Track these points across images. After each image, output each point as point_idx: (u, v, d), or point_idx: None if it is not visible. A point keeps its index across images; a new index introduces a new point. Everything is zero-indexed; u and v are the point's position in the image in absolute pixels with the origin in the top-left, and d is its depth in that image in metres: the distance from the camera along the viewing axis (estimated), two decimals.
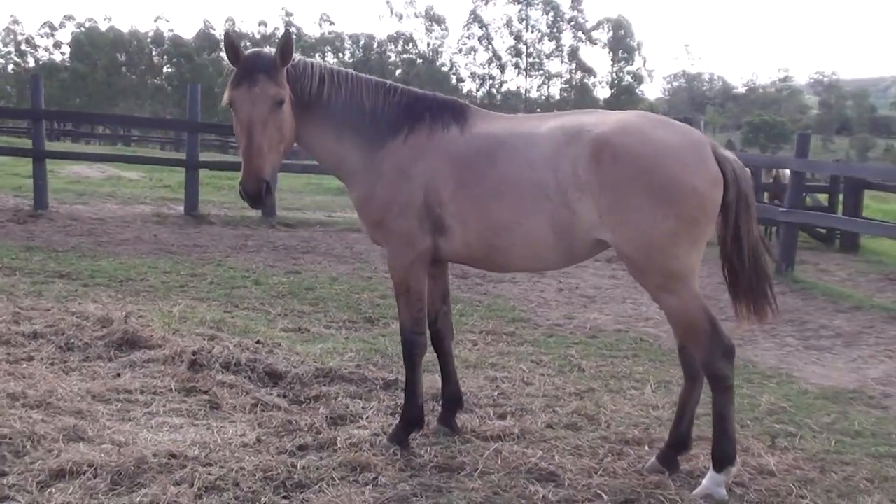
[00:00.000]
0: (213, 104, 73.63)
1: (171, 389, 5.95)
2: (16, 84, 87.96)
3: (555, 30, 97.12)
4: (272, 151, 4.80)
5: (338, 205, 20.71)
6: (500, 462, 5.01)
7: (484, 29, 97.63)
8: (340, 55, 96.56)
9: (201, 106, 16.86)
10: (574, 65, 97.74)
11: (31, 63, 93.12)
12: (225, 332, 7.54)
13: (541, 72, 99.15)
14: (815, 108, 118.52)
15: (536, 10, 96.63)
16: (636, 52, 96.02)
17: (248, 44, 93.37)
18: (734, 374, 4.74)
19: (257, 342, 7.14)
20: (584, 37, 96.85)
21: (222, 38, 5.05)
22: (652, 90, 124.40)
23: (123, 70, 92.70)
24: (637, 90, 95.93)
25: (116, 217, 15.68)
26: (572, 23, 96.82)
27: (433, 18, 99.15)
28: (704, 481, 4.73)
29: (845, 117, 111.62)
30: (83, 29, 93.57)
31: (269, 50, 4.98)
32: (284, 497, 4.43)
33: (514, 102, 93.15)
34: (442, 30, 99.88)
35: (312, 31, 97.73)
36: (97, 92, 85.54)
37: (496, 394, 6.39)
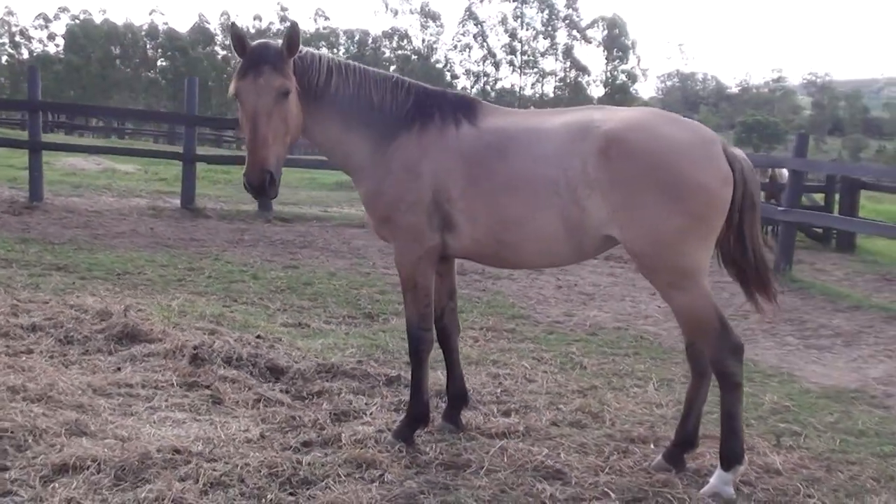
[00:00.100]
0: (208, 97, 73.55)
1: (173, 384, 5.90)
2: (10, 76, 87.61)
3: (549, 28, 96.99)
4: (277, 143, 4.76)
5: (333, 200, 20.68)
6: (506, 459, 4.97)
7: (479, 26, 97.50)
8: (335, 51, 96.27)
9: (197, 99, 16.80)
10: (568, 63, 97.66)
11: (26, 55, 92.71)
12: (225, 326, 7.50)
13: (535, 70, 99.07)
14: (808, 108, 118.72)
15: (531, 7, 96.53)
16: (630, 51, 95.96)
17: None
18: (742, 372, 4.72)
19: (258, 337, 7.10)
20: (578, 35, 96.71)
21: (229, 30, 5.00)
22: (646, 89, 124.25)
23: (118, 63, 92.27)
24: (631, 89, 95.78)
25: (112, 210, 15.61)
26: (567, 21, 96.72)
27: (428, 15, 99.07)
28: (712, 480, 4.70)
29: (838, 118, 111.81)
30: (78, 21, 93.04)
31: (277, 41, 4.93)
32: (290, 494, 4.38)
33: (509, 100, 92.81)
34: (437, 26, 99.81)
35: (307, 26, 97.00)
36: (91, 84, 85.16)
37: (499, 391, 6.35)
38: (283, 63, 4.79)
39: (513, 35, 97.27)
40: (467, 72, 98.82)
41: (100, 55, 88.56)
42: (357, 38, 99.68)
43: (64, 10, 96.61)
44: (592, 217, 4.60)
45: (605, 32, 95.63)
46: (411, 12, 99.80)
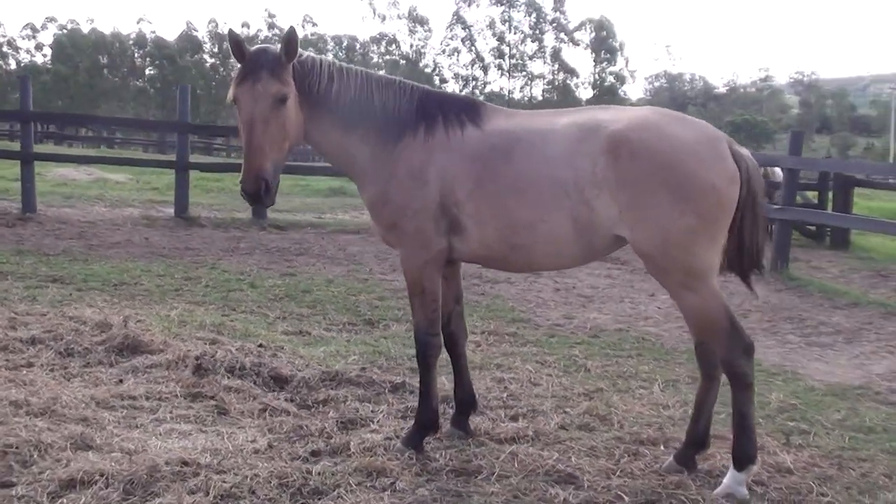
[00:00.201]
0: (196, 105, 73.33)
1: (177, 395, 5.84)
2: None
3: (537, 31, 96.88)
4: (274, 150, 4.71)
5: (327, 206, 20.65)
6: (516, 465, 4.93)
7: (467, 30, 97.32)
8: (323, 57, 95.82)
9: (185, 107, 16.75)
10: (557, 66, 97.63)
11: (13, 65, 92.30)
12: (225, 335, 7.44)
13: (524, 73, 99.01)
14: (795, 107, 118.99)
15: (519, 11, 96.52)
16: (618, 53, 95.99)
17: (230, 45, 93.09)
18: (753, 371, 4.70)
19: (260, 346, 7.04)
20: (566, 38, 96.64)
21: (228, 36, 4.95)
22: (634, 90, 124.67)
23: (105, 72, 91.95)
24: (619, 91, 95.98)
25: (105, 220, 15.54)
26: (555, 24, 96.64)
27: (416, 20, 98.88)
28: (725, 480, 4.67)
29: (825, 116, 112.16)
30: (65, 31, 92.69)
31: (276, 46, 4.88)
32: None
33: (498, 104, 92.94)
34: (425, 31, 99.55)
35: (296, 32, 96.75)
36: (79, 94, 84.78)
37: (505, 395, 6.32)
38: (281, 69, 4.74)
39: (501, 39, 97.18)
40: (456, 76, 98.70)
41: (87, 64, 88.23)
42: (345, 43, 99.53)
43: (51, 19, 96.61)
44: (602, 217, 4.57)
45: (593, 35, 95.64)
46: (399, 17, 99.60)
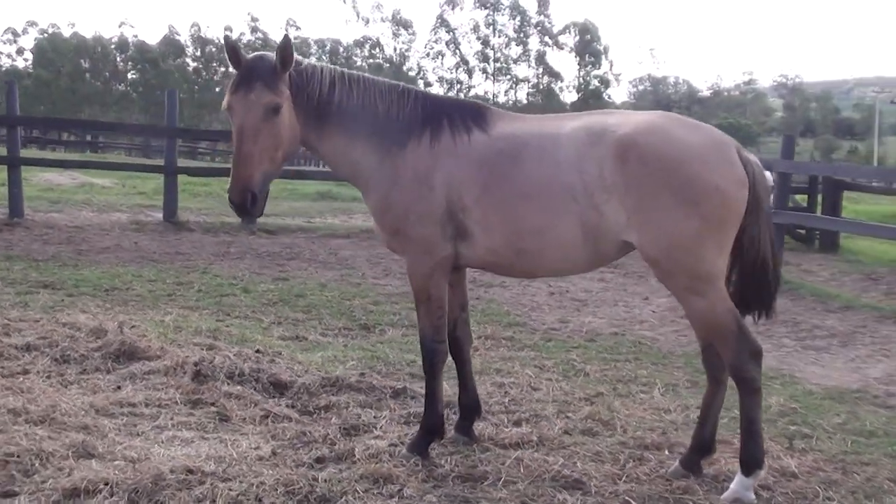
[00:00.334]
0: (180, 109, 73.02)
1: (177, 402, 5.79)
2: None
3: (522, 34, 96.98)
4: (264, 160, 4.67)
5: (316, 210, 20.58)
6: (522, 470, 4.91)
7: (451, 33, 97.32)
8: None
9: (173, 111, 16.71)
10: (541, 69, 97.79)
11: None
12: (222, 341, 7.39)
13: (508, 76, 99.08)
14: (779, 110, 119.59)
15: (503, 15, 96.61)
16: (603, 56, 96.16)
17: (213, 49, 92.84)
18: (761, 376, 4.69)
19: (257, 351, 6.99)
20: (550, 41, 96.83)
21: (224, 43, 4.92)
22: (618, 94, 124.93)
23: (87, 76, 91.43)
24: (604, 94, 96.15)
25: (94, 225, 15.42)
26: (539, 27, 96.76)
27: (400, 23, 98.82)
28: (733, 485, 4.66)
29: (809, 119, 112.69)
30: (46, 35, 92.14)
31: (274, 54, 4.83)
32: None
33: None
34: (409, 34, 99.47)
35: (278, 36, 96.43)
36: (61, 99, 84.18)
37: (507, 400, 6.30)
38: (275, 78, 4.70)
39: (485, 42, 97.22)
40: (440, 79, 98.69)
41: (69, 69, 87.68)
42: (328, 47, 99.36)
43: (32, 23, 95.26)
44: (611, 222, 4.55)
45: (577, 38, 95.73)
46: (383, 20, 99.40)
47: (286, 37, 4.74)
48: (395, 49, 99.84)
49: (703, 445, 4.96)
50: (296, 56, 4.79)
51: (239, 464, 4.74)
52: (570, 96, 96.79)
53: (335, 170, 5.25)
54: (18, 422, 5.17)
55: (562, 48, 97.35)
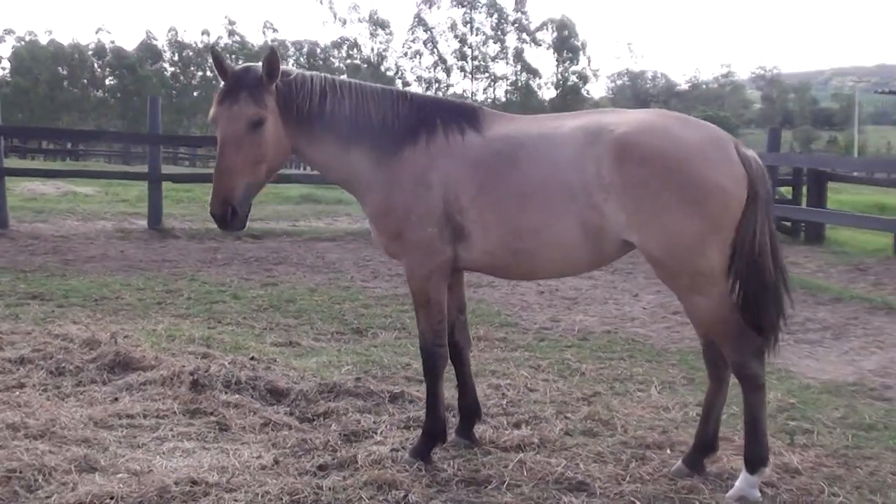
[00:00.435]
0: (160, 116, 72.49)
1: (175, 412, 5.74)
2: None
3: (499, 32, 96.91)
4: (245, 173, 4.66)
5: (300, 214, 20.53)
6: (525, 473, 4.90)
7: (429, 32, 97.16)
8: (283, 62, 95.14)
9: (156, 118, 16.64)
10: (519, 66, 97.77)
11: None
12: (216, 349, 7.36)
13: (486, 74, 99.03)
14: (757, 102, 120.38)
15: (480, 13, 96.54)
16: (580, 52, 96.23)
17: (191, 53, 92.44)
18: (764, 373, 4.70)
19: (252, 359, 6.96)
20: (528, 38, 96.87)
21: (209, 53, 4.89)
22: (597, 89, 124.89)
23: (65, 83, 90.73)
24: (582, 90, 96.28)
25: (79, 234, 15.33)
26: (516, 24, 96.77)
27: (377, 23, 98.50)
28: (738, 483, 4.67)
29: (788, 111, 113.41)
30: (24, 43, 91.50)
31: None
32: None
33: None
34: (386, 34, 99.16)
35: (256, 38, 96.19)
36: (39, 106, 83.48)
37: (504, 402, 6.28)
38: (261, 90, 4.68)
39: (463, 40, 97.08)
40: (419, 79, 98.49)
41: (47, 76, 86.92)
42: (305, 49, 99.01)
43: (9, 31, 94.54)
44: (611, 222, 4.55)
45: (555, 34, 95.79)
46: (360, 21, 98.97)
47: (272, 49, 4.72)
48: (372, 49, 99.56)
49: (706, 444, 4.96)
50: (284, 67, 4.77)
51: (242, 473, 4.71)
52: (548, 93, 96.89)
53: (330, 177, 5.22)
54: (18, 436, 5.12)
55: (539, 45, 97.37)
